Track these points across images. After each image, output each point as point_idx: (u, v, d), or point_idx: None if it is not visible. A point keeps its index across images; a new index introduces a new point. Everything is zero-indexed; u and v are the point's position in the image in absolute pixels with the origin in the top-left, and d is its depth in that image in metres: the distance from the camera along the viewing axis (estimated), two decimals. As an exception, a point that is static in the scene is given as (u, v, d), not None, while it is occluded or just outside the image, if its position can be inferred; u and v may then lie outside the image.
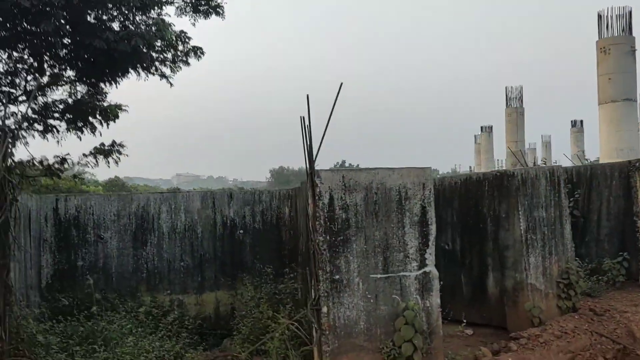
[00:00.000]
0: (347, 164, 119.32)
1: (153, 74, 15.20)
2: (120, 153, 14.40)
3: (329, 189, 5.57)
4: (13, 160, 5.52)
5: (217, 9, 14.95)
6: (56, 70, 14.73)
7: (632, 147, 28.98)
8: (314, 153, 5.67)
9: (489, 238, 7.73)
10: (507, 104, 47.50)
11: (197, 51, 14.77)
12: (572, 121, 60.36)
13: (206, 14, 14.92)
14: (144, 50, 12.26)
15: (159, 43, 12.95)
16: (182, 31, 14.13)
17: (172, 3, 14.26)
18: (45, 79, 14.03)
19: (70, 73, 14.94)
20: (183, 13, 14.73)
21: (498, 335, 7.35)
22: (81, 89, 15.98)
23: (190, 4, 14.70)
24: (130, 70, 14.02)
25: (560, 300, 7.45)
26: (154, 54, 13.47)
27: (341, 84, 5.87)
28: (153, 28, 12.96)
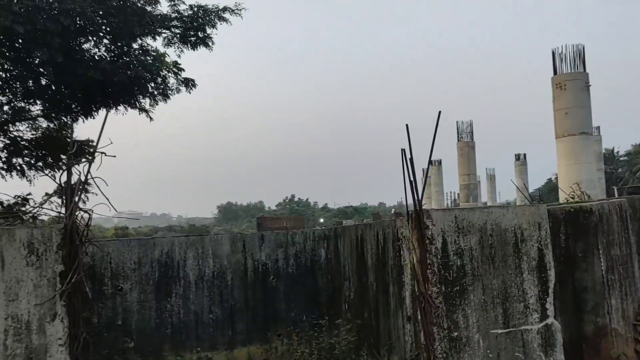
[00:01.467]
0: (296, 199, 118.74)
1: (135, 108, 14.16)
2: (87, 192, 13.14)
3: (441, 231, 4.81)
4: None
5: (206, 40, 14.14)
6: (22, 104, 13.47)
7: (590, 179, 29.68)
8: (419, 189, 4.93)
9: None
10: (458, 137, 48.22)
11: (190, 83, 13.84)
12: (516, 155, 62.24)
13: (194, 46, 14.07)
14: (145, 80, 11.29)
15: (162, 73, 12.01)
16: (175, 62, 13.21)
17: (160, 34, 13.35)
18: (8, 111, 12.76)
19: (37, 107, 13.71)
20: (170, 44, 13.83)
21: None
22: (51, 123, 14.71)
23: (177, 35, 13.83)
24: (116, 101, 12.96)
25: (638, 344, 6.90)
26: (150, 85, 12.46)
27: (439, 112, 5.20)
28: (148, 58, 12.00)
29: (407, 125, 4.95)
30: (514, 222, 5.00)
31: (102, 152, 4.07)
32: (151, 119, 15.05)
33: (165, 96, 14.19)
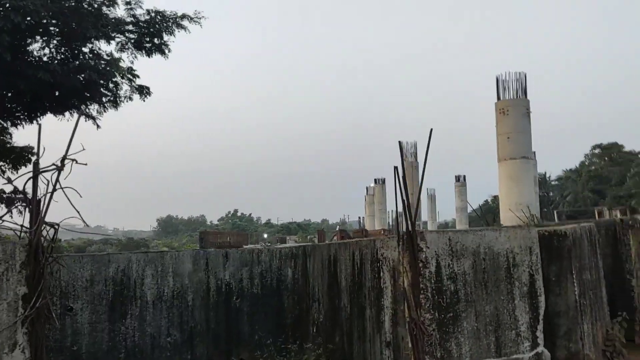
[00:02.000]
0: (239, 213, 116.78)
1: (82, 114, 13.37)
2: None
3: (435, 254, 4.56)
4: None
5: (162, 47, 13.58)
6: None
7: (530, 202, 30.53)
8: (412, 209, 4.67)
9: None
10: (402, 158, 48.77)
11: (144, 91, 13.20)
12: (456, 176, 63.69)
13: (149, 52, 13.47)
14: (98, 85, 10.61)
15: (115, 79, 11.33)
16: (130, 68, 12.56)
17: (113, 38, 12.70)
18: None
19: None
20: (124, 49, 13.19)
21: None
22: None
23: (132, 40, 13.21)
24: (65, 106, 12.18)
25: (608, 369, 6.87)
26: (103, 90, 11.75)
27: (431, 130, 4.98)
28: (102, 62, 11.33)
29: (400, 143, 4.71)
30: (506, 245, 4.82)
31: (72, 160, 3.58)
32: (98, 126, 14.27)
33: (115, 103, 13.49)
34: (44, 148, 3.76)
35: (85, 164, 3.65)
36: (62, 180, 3.73)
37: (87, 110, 13.20)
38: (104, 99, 13.06)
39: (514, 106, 33.13)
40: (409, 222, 4.58)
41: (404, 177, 4.62)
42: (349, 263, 6.46)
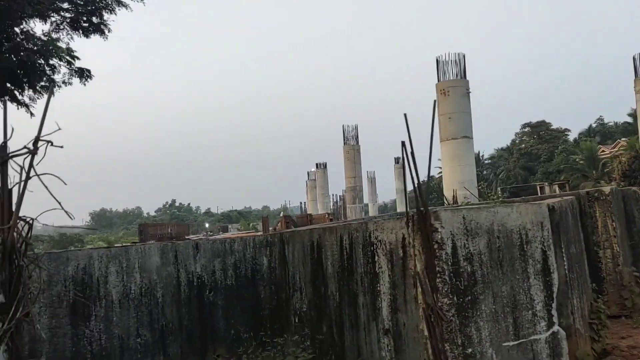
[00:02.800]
0: (177, 203, 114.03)
1: (14, 101, 12.25)
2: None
3: (450, 234, 4.20)
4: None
5: (102, 27, 12.59)
6: None
7: (471, 180, 31.19)
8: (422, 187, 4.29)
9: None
10: (344, 141, 48.76)
11: (85, 73, 12.19)
12: (395, 158, 64.61)
13: (87, 32, 12.44)
14: (36, 66, 9.61)
15: (52, 62, 10.32)
16: (69, 48, 11.54)
17: (48, 16, 11.63)
18: None
19: None
20: (58, 29, 12.12)
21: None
22: None
23: (68, 20, 12.16)
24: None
25: (595, 343, 6.81)
26: (42, 72, 10.70)
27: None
28: (38, 42, 10.31)
29: (405, 115, 4.30)
30: (519, 222, 4.53)
31: (47, 141, 2.94)
32: (32, 114, 13.14)
33: (48, 89, 12.41)
34: (12, 128, 3.09)
35: (61, 147, 3.04)
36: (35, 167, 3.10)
37: (20, 96, 12.09)
38: (37, 85, 11.99)
39: (454, 87, 33.63)
40: (420, 200, 4.19)
41: (412, 153, 4.22)
42: (337, 248, 6.05)
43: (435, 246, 4.13)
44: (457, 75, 31.78)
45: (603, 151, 55.70)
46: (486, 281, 4.30)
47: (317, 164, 60.06)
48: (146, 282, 6.70)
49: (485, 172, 77.46)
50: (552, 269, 4.66)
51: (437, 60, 32.21)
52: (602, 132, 67.79)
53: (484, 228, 4.35)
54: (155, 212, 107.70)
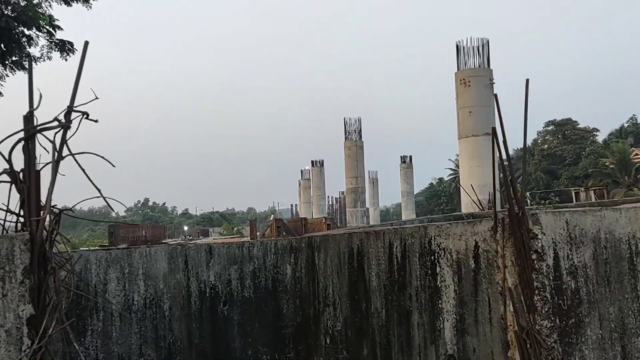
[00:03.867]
0: (150, 203, 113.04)
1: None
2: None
3: (552, 242, 3.90)
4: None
5: (86, -7, 12.21)
6: None
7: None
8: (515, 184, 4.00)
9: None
10: (346, 136, 48.40)
11: (66, 47, 11.80)
12: (401, 157, 64.35)
13: (67, 0, 12.08)
14: (16, 34, 9.26)
15: (31, 32, 9.95)
16: (50, 16, 11.16)
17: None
18: None
19: None
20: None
21: None
22: None
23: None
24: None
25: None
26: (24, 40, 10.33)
27: (527, 80, 4.34)
28: (17, 8, 9.94)
29: (495, 95, 4.00)
30: (628, 229, 4.25)
31: (83, 113, 2.61)
32: (0, 94, 12.77)
33: (21, 66, 12.03)
34: (40, 95, 2.74)
35: (96, 121, 2.71)
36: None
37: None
38: (8, 60, 11.61)
39: (476, 76, 33.27)
40: (512, 200, 3.90)
41: (504, 142, 3.93)
42: (384, 257, 5.75)
43: (534, 256, 3.83)
44: (479, 64, 31.54)
45: (637, 154, 55.81)
46: (592, 301, 4.01)
47: (312, 162, 59.71)
48: (151, 291, 6.39)
49: (501, 175, 77.35)
50: (664, 286, 4.38)
51: (457, 46, 31.93)
52: (635, 133, 67.96)
53: (590, 236, 4.07)
54: (125, 212, 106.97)
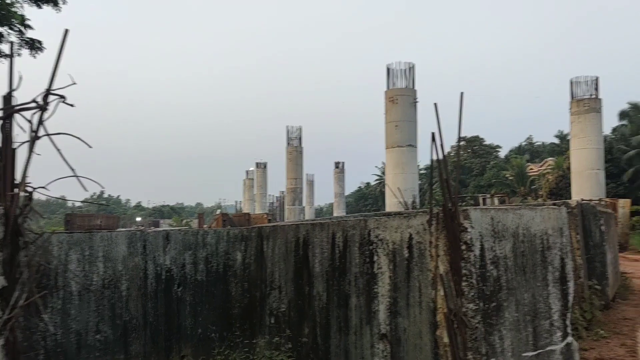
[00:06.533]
0: (105, 195, 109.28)
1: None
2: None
3: (479, 235, 3.91)
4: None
5: (56, -4, 11.62)
6: None
7: (413, 187, 31.55)
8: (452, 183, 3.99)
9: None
10: (288, 142, 48.32)
11: (35, 45, 11.17)
12: (335, 163, 64.77)
13: (39, 1, 11.45)
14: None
15: (2, 29, 9.31)
16: (22, 15, 10.53)
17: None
18: None
19: None
20: (7, -5, 11.06)
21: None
22: None
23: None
24: None
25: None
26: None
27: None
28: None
29: (435, 105, 3.98)
30: (542, 226, 4.32)
31: (59, 96, 2.38)
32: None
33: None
34: (20, 77, 2.49)
35: (73, 105, 2.48)
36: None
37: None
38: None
39: (402, 95, 33.84)
40: (448, 197, 3.88)
41: (441, 145, 3.91)
42: (327, 246, 5.66)
43: (464, 247, 3.82)
44: (406, 85, 32.09)
45: (531, 169, 58.16)
46: (510, 287, 4.04)
47: (257, 163, 59.26)
48: (110, 272, 6.05)
49: (420, 182, 79.00)
50: (569, 277, 4.48)
51: (387, 69, 32.40)
52: (530, 151, 70.82)
53: (510, 231, 4.10)
54: (81, 202, 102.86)
